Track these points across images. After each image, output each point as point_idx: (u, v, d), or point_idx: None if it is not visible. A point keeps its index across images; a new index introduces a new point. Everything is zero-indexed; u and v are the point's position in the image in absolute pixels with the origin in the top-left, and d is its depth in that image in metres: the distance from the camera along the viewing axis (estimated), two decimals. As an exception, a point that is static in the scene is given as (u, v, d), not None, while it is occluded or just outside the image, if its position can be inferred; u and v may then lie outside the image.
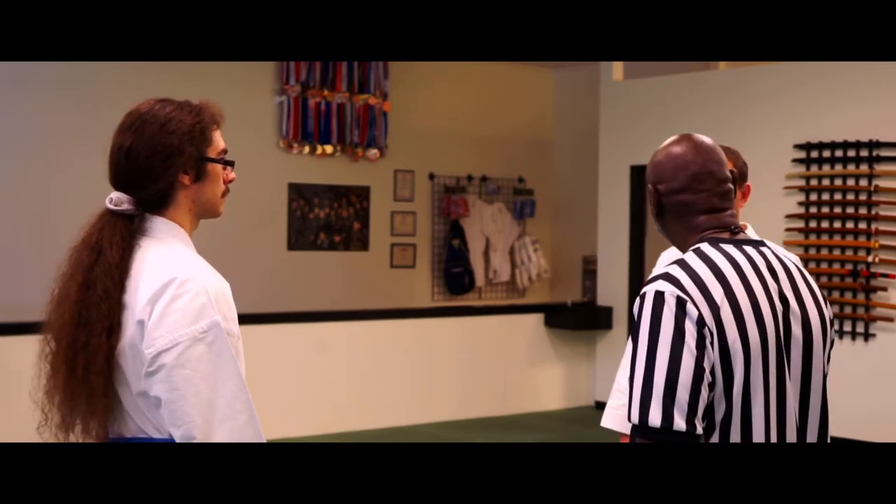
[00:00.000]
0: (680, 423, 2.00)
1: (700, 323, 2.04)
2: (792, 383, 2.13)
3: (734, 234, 2.21)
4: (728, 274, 2.11)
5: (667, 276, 2.09)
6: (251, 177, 8.84)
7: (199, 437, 2.15)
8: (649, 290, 2.09)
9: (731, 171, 2.31)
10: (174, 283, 2.20)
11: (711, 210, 2.22)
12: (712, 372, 2.05)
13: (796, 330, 2.15)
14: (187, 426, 2.16)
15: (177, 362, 2.16)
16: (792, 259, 2.29)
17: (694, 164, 2.22)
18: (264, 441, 2.23)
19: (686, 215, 2.22)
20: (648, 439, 2.02)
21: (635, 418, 2.04)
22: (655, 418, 2.01)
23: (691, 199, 2.22)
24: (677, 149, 2.25)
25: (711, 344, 2.04)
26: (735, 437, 2.08)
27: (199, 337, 2.18)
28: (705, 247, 2.17)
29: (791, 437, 2.14)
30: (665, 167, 2.24)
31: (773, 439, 2.11)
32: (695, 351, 2.02)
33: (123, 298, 2.24)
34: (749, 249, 2.18)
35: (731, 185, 2.26)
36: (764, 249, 2.21)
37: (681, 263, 2.13)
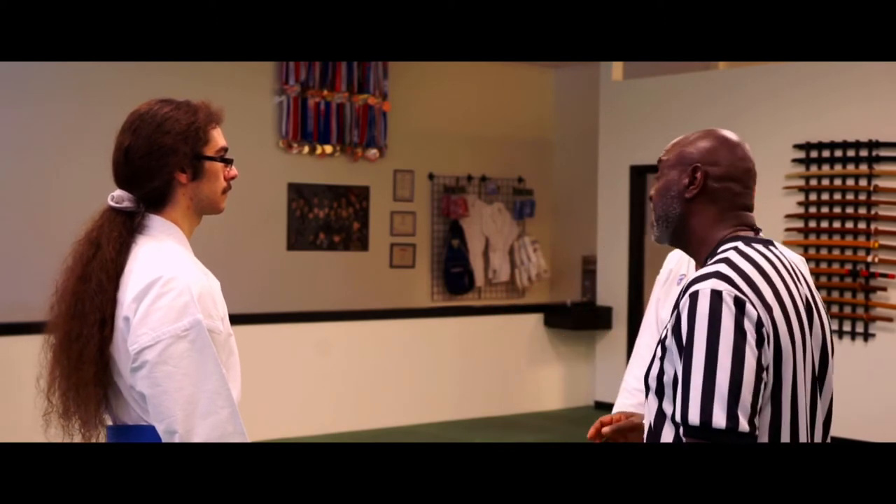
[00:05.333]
0: (744, 425, 1.97)
1: (759, 324, 2.01)
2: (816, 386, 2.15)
3: (757, 234, 2.22)
4: (772, 276, 2.09)
5: (719, 275, 2.05)
6: (251, 177, 8.83)
7: (181, 432, 2.21)
8: (703, 289, 2.03)
9: None
10: (159, 281, 2.27)
11: (746, 208, 2.23)
12: (767, 373, 2.03)
13: (818, 333, 2.15)
14: (169, 420, 2.22)
15: (159, 359, 2.23)
16: (798, 260, 2.30)
17: (750, 161, 2.24)
18: (246, 435, 2.28)
19: (726, 205, 2.20)
20: (709, 441, 1.98)
21: (694, 419, 1.98)
22: (720, 420, 1.96)
23: (739, 190, 2.21)
24: (733, 139, 2.24)
25: (768, 345, 2.02)
26: (785, 440, 2.07)
27: (181, 335, 2.24)
28: (743, 247, 2.14)
29: (818, 439, 2.15)
30: (720, 152, 2.21)
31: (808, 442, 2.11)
32: (756, 351, 2.00)
33: (117, 293, 2.31)
34: (776, 251, 2.18)
35: None
36: (783, 250, 2.22)
37: (728, 263, 2.08)
